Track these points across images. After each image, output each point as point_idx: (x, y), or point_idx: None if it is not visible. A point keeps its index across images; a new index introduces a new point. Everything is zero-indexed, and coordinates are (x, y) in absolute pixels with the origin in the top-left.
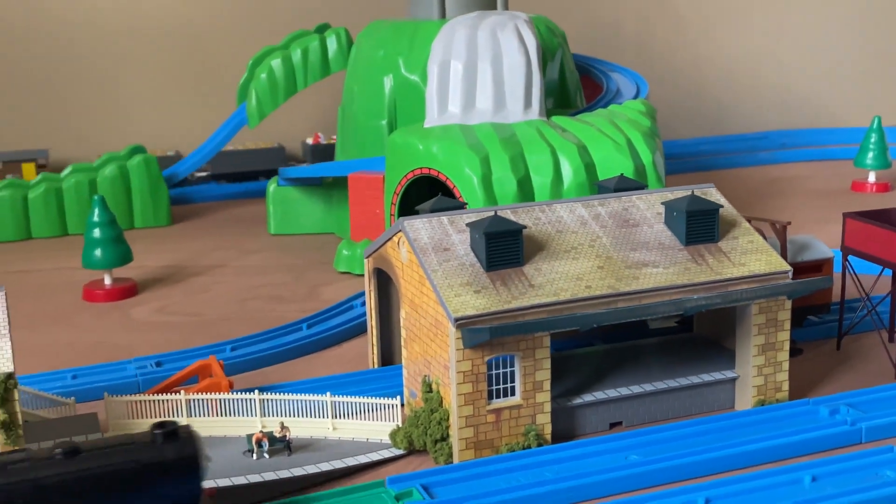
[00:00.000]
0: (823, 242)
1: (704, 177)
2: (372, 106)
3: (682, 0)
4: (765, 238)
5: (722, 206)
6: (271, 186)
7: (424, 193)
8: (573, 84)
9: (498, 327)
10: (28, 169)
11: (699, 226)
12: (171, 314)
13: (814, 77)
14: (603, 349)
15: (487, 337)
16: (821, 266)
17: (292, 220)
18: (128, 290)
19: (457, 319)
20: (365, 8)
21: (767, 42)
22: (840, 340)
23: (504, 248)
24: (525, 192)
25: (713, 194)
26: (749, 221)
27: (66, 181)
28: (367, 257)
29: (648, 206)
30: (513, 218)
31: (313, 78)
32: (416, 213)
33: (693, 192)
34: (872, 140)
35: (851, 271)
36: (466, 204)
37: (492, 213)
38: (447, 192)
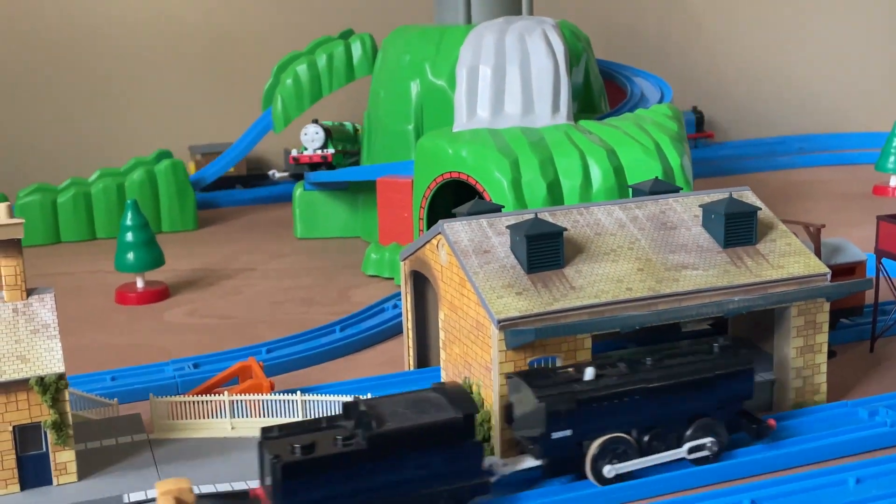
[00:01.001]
0: (854, 245)
1: (724, 181)
2: (398, 111)
3: (701, 4)
4: (798, 238)
5: (760, 209)
6: (297, 190)
7: (451, 198)
8: (598, 89)
9: (542, 328)
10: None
11: (737, 228)
12: (204, 317)
13: (834, 81)
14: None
15: (532, 338)
16: (854, 269)
17: (319, 223)
18: (160, 293)
19: (500, 321)
20: (389, 14)
21: (787, 46)
22: (873, 343)
23: (545, 250)
24: (554, 195)
25: (749, 196)
26: (785, 221)
27: (95, 186)
28: (404, 260)
29: (685, 209)
30: (551, 220)
31: (338, 83)
32: (452, 216)
33: (731, 194)
34: (894, 144)
35: (885, 274)
36: (503, 207)
37: (532, 216)
38: (475, 196)
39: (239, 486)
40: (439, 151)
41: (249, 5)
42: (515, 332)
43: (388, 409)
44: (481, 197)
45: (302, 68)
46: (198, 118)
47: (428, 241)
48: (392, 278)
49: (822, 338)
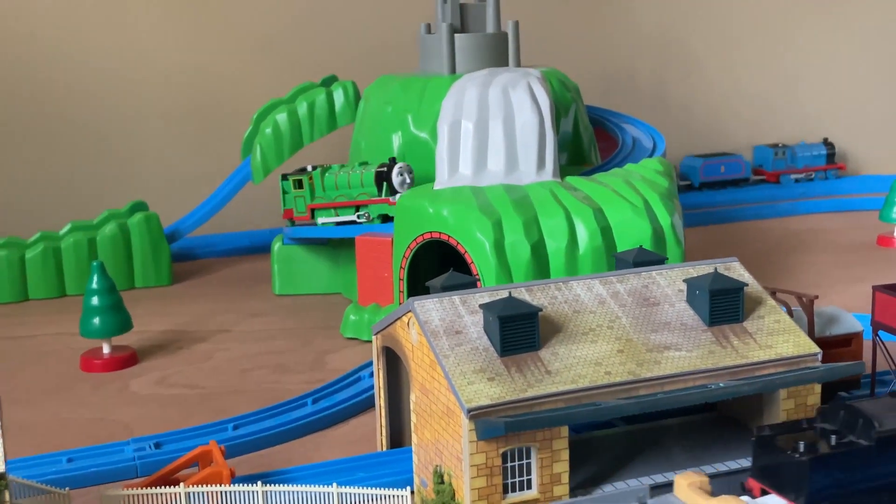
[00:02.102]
0: (851, 314)
1: (723, 229)
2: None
3: (699, 46)
4: (790, 312)
5: (746, 284)
6: (276, 244)
7: (434, 257)
8: (587, 139)
9: (514, 422)
10: None
11: (723, 305)
12: (172, 386)
13: (837, 124)
14: (623, 431)
15: (503, 431)
16: (850, 340)
17: (298, 280)
18: (127, 360)
19: (470, 410)
20: (374, 60)
21: (788, 89)
22: None
23: (519, 331)
24: (539, 257)
25: (737, 269)
26: (774, 294)
27: (65, 240)
28: (376, 334)
29: (669, 283)
30: (528, 297)
31: (320, 132)
32: (426, 289)
33: (716, 268)
34: None
35: (882, 345)
36: (480, 280)
37: (506, 294)
38: (458, 256)
39: None
40: (420, 210)
41: (230, 50)
42: (487, 423)
43: (876, 411)
44: (463, 259)
45: (282, 116)
46: (175, 168)
47: (398, 318)
48: (371, 341)
49: None
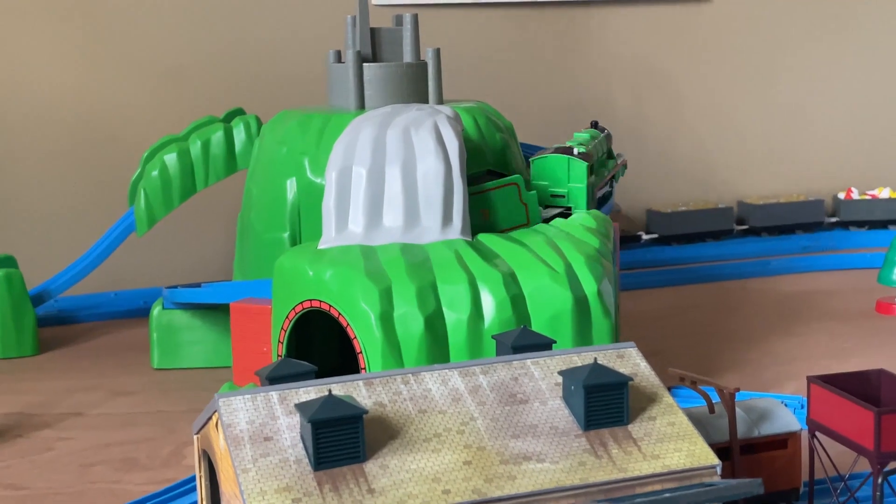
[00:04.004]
0: (790, 407)
1: (708, 289)
2: (272, 214)
3: (682, 79)
4: (711, 407)
5: (631, 379)
6: (155, 310)
7: (326, 325)
8: None
9: None
10: None
11: (603, 404)
12: None
13: (838, 172)
14: None
15: None
16: (785, 441)
17: (180, 351)
18: None
19: None
20: (288, 93)
21: (786, 130)
22: None
23: (339, 438)
24: (435, 332)
25: (632, 357)
26: (694, 384)
27: None
28: (196, 434)
29: (545, 375)
30: (365, 393)
31: (216, 176)
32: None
33: (596, 358)
34: None
35: (819, 448)
36: (316, 370)
37: (325, 393)
38: (341, 329)
39: None
40: (299, 273)
41: (126, 78)
42: None
43: None
44: (343, 332)
45: (171, 157)
46: (52, 215)
47: (209, 418)
48: None
49: None
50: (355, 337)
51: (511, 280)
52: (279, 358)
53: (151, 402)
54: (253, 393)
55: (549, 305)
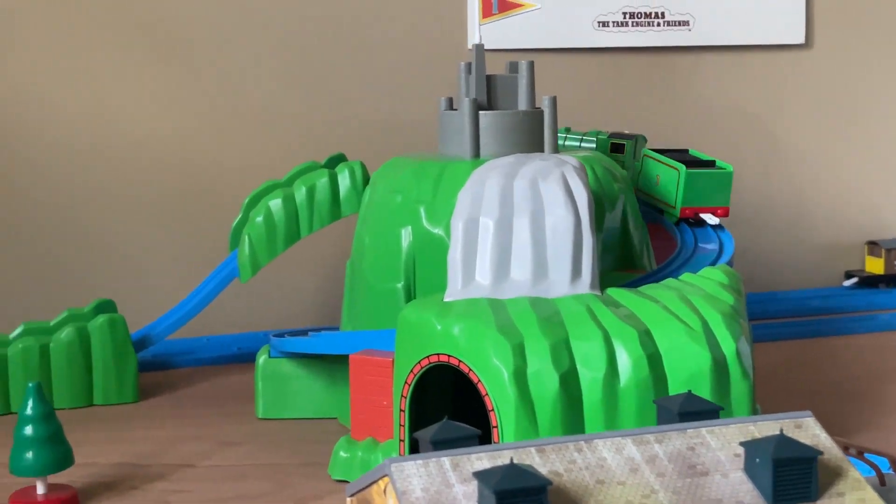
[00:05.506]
0: None
1: (807, 345)
2: (386, 264)
3: (780, 125)
4: (882, 479)
5: (821, 453)
6: (261, 358)
7: (447, 379)
8: (638, 239)
9: None
10: None
11: (791, 479)
12: None
13: None
14: None
15: None
16: None
17: (286, 401)
18: (66, 503)
19: None
20: (391, 139)
21: (887, 176)
22: None
23: None
24: (570, 390)
25: (810, 427)
26: (860, 454)
27: (14, 346)
28: (350, 497)
29: (722, 445)
30: (538, 461)
31: (320, 222)
32: (415, 442)
33: (782, 430)
34: None
35: None
36: (479, 434)
37: (507, 461)
38: (470, 386)
39: None
40: (425, 326)
41: (222, 122)
42: None
43: None
44: (475, 388)
45: (276, 203)
46: (150, 260)
47: (374, 482)
48: None
49: None
50: (487, 394)
51: (647, 337)
52: (401, 413)
53: (260, 454)
54: (424, 458)
55: (686, 365)
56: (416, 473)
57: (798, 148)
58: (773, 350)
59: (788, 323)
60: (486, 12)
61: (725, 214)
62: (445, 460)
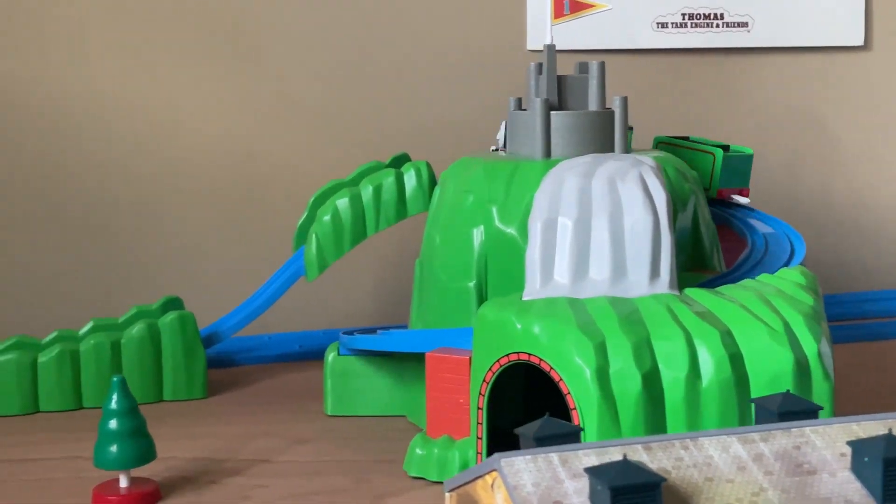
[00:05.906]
0: None
1: (877, 348)
2: (457, 263)
3: (838, 127)
4: None
5: None
6: (330, 355)
7: (522, 380)
8: (709, 240)
9: None
10: None
11: None
12: None
13: None
14: None
15: None
16: None
17: (355, 398)
18: (148, 496)
19: None
20: (453, 139)
21: None
22: None
23: None
24: (652, 390)
25: None
26: None
27: (85, 342)
28: (450, 492)
29: (828, 445)
30: (646, 458)
31: (387, 221)
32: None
33: (891, 430)
34: None
35: None
36: (583, 429)
37: (619, 454)
38: (550, 383)
39: None
40: (505, 325)
41: (284, 122)
42: None
43: None
44: (556, 388)
45: (343, 202)
46: (215, 258)
47: (480, 476)
48: (442, 483)
49: None
50: (568, 392)
51: (729, 338)
52: (479, 411)
53: (334, 450)
54: (533, 454)
55: (768, 366)
56: (526, 469)
57: (858, 149)
58: (837, 352)
59: (848, 326)
60: (558, 13)
61: (747, 195)
62: (554, 456)
